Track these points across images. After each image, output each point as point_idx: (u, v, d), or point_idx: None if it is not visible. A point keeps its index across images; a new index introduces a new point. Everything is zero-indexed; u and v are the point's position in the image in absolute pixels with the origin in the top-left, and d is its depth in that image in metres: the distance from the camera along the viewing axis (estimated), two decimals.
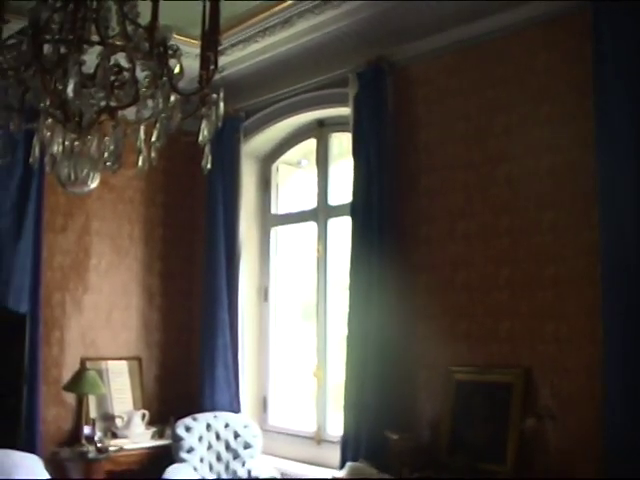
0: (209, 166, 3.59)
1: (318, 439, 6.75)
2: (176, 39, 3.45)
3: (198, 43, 3.48)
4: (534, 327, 5.06)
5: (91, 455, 6.60)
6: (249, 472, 6.66)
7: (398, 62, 6.02)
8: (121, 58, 3.43)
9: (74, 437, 6.97)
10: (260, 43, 6.59)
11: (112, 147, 3.33)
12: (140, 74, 3.33)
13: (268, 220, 7.68)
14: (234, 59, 6.75)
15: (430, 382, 5.69)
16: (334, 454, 6.14)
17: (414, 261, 5.84)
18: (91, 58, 3.23)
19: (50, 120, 3.27)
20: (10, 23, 3.11)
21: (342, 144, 7.09)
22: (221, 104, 3.38)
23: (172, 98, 3.25)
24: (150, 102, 3.20)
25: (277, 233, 7.65)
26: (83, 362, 7.20)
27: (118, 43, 3.26)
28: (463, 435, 5.35)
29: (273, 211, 7.68)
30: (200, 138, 3.42)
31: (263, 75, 7.06)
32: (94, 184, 3.46)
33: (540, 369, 5.01)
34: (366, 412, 5.77)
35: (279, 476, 6.53)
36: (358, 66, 6.11)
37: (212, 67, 3.30)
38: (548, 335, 4.97)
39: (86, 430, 6.82)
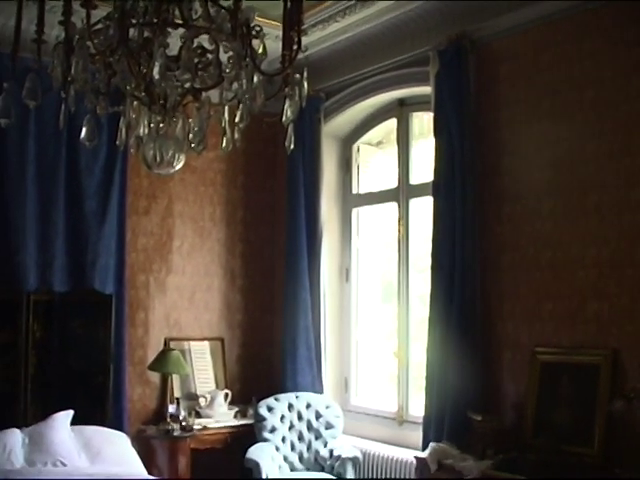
0: (292, 147, 3.59)
1: (400, 419, 6.75)
2: (256, 20, 3.44)
3: (278, 24, 3.47)
4: (623, 307, 4.95)
5: (176, 433, 6.71)
6: (331, 452, 6.67)
7: (480, 39, 5.93)
8: (204, 40, 3.45)
9: (159, 415, 7.12)
10: (340, 23, 6.56)
11: (197, 128, 3.35)
12: (223, 56, 3.35)
13: (349, 201, 7.66)
14: (314, 40, 6.72)
15: (514, 363, 5.62)
16: (416, 434, 6.15)
17: (498, 240, 5.77)
18: (173, 41, 3.25)
19: (135, 103, 3.31)
20: (97, 9, 3.13)
21: (423, 123, 7.02)
22: (305, 84, 3.37)
23: (255, 79, 3.24)
24: (234, 83, 3.20)
25: (358, 214, 7.63)
26: (167, 342, 7.31)
27: (201, 25, 3.28)
28: (548, 417, 5.28)
29: (354, 191, 7.67)
30: (283, 119, 3.42)
31: (343, 55, 7.02)
32: (179, 165, 3.48)
33: (629, 350, 4.90)
34: (449, 393, 5.75)
35: (361, 456, 6.53)
36: (439, 44, 6.05)
37: (295, 47, 3.28)
38: (637, 316, 4.86)
39: (171, 409, 6.93)
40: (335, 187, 7.64)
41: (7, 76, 5.92)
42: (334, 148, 7.66)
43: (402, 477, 6.23)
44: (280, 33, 3.45)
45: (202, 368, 7.50)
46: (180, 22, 3.27)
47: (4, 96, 3.30)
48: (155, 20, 3.11)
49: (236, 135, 3.53)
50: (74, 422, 6.31)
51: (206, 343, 7.61)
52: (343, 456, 6.50)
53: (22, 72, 3.38)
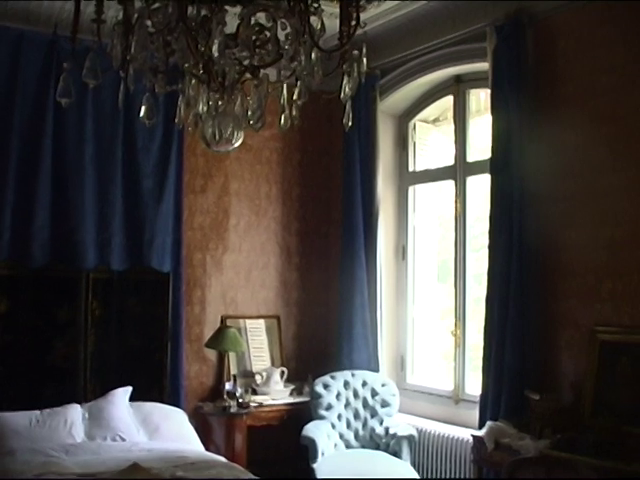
0: (350, 124, 3.58)
1: (456, 398, 6.73)
2: None
3: (333, 2, 3.45)
4: None
5: (233, 410, 6.77)
6: (387, 430, 6.68)
7: (538, 13, 5.84)
8: (261, 18, 3.44)
9: (216, 393, 7.19)
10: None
11: (255, 106, 3.35)
12: (280, 33, 3.34)
13: (405, 178, 7.62)
14: (369, 16, 6.66)
15: (572, 342, 5.58)
16: (472, 413, 6.15)
17: (556, 218, 5.70)
18: (230, 19, 3.25)
19: (194, 81, 3.32)
20: None
21: (479, 100, 6.95)
22: (364, 60, 3.35)
23: (313, 56, 3.23)
24: (292, 60, 3.19)
25: (415, 191, 7.59)
26: (223, 320, 7.36)
27: (260, 2, 3.27)
28: (607, 397, 5.23)
29: (410, 169, 7.62)
30: (341, 95, 3.40)
31: (399, 32, 6.96)
32: (238, 143, 3.49)
33: None
34: (506, 371, 5.73)
35: (416, 435, 6.53)
36: (496, 19, 5.98)
37: (354, 23, 3.26)
38: None
39: (228, 386, 7.00)
40: (391, 165, 7.60)
41: (66, 57, 6.08)
42: (390, 126, 7.62)
43: (458, 455, 6.22)
44: (336, 10, 3.43)
45: (257, 346, 7.55)
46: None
47: (64, 76, 3.34)
48: None
49: (294, 112, 3.52)
50: (132, 398, 6.42)
51: (262, 321, 7.65)
52: (399, 434, 6.51)
53: (81, 52, 3.40)
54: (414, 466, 6.48)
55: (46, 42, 6.47)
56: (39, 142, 6.50)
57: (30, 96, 6.52)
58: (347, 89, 3.39)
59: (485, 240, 6.08)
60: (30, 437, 5.72)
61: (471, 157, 6.83)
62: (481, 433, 5.58)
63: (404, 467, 6.35)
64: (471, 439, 5.76)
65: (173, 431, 6.30)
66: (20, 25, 6.48)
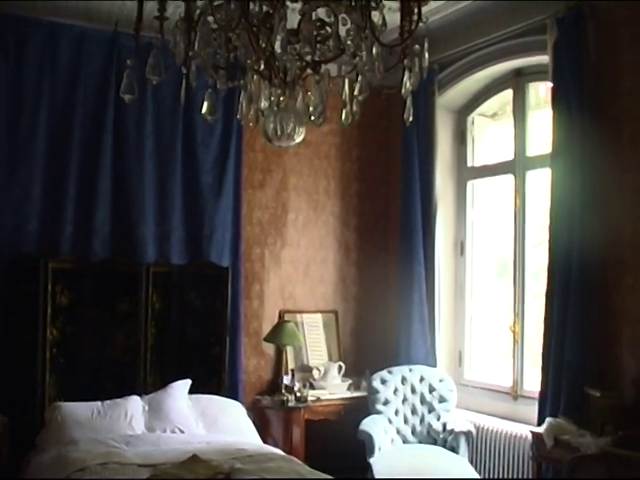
0: (411, 119, 3.57)
1: (514, 394, 6.67)
2: None
3: None
4: None
5: (291, 404, 6.81)
6: (444, 426, 6.66)
7: (600, 4, 5.74)
8: (321, 13, 3.45)
9: (274, 386, 7.24)
10: None
11: (317, 101, 3.36)
12: (341, 28, 3.34)
13: (464, 173, 7.57)
14: (427, 10, 6.58)
15: (634, 338, 5.49)
16: (531, 409, 6.09)
17: (618, 213, 5.62)
18: (291, 15, 3.25)
19: (256, 77, 3.34)
20: None
21: (539, 94, 6.88)
22: (426, 55, 3.33)
23: (374, 50, 3.22)
24: (353, 55, 3.19)
25: (473, 186, 7.54)
26: (281, 315, 7.40)
27: None
28: None
29: (469, 164, 7.57)
30: (402, 91, 3.39)
31: (457, 26, 6.90)
32: (299, 138, 3.50)
33: None
34: (566, 368, 5.67)
35: (474, 431, 6.49)
36: (557, 11, 5.89)
37: (415, 18, 3.25)
38: None
39: (286, 380, 7.03)
40: (450, 160, 7.56)
41: (127, 54, 6.16)
42: (448, 120, 7.57)
43: (517, 452, 6.18)
44: (395, 4, 3.42)
45: (314, 340, 7.58)
46: None
47: (128, 73, 3.38)
48: None
49: (354, 108, 3.52)
50: (191, 391, 6.47)
51: (319, 315, 7.67)
52: (456, 430, 6.48)
53: (142, 49, 3.44)
54: (471, 462, 6.45)
55: (107, 39, 6.58)
56: (100, 138, 6.61)
57: (91, 93, 6.64)
58: (408, 84, 3.38)
59: (544, 235, 6.02)
60: (92, 428, 5.82)
61: (531, 151, 6.76)
62: (540, 430, 5.54)
63: (461, 463, 6.33)
64: (530, 436, 5.72)
65: (231, 424, 6.35)
66: (81, 23, 6.60)
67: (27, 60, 6.41)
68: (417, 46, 3.32)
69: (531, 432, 5.68)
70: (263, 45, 3.21)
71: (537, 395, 5.97)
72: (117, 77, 6.51)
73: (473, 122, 7.60)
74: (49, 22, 6.48)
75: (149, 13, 3.41)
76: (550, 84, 6.01)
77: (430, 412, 6.85)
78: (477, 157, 7.57)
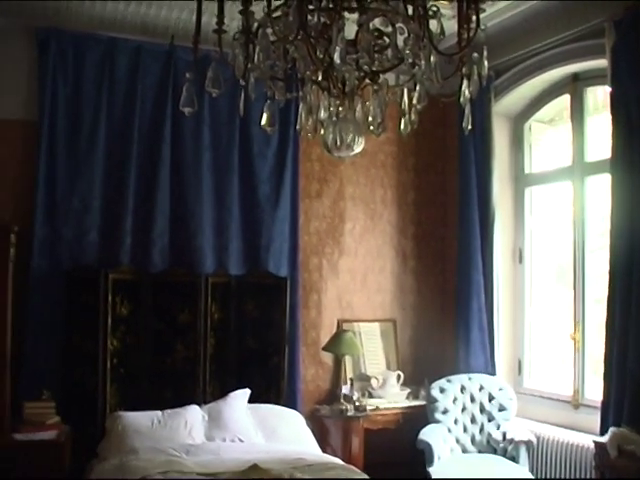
0: (469, 127, 3.55)
1: (575, 403, 6.58)
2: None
3: (445, 3, 3.42)
4: None
5: (350, 413, 6.80)
6: (504, 435, 6.59)
7: None
8: (377, 23, 3.44)
9: (332, 396, 7.23)
10: None
11: (376, 111, 3.36)
12: (398, 38, 3.33)
13: (521, 180, 7.52)
14: (483, 16, 6.50)
15: None
16: (593, 418, 5.99)
17: None
18: (347, 25, 3.26)
19: (314, 87, 3.35)
20: None
21: (597, 98, 6.80)
22: (485, 63, 3.32)
23: (432, 59, 3.21)
24: (412, 65, 3.18)
25: (531, 193, 7.47)
26: (339, 324, 7.41)
27: (378, 8, 3.27)
28: None
29: (526, 171, 7.51)
30: (461, 99, 3.38)
31: (513, 31, 6.84)
32: (359, 148, 3.50)
33: None
34: (629, 376, 5.57)
35: (535, 440, 6.42)
36: (615, 14, 5.81)
37: (474, 26, 3.24)
38: None
39: (344, 389, 7.03)
40: (507, 166, 7.50)
41: (183, 67, 6.25)
42: (505, 127, 7.53)
43: (579, 462, 6.09)
44: (449, 12, 3.41)
45: (372, 349, 7.57)
46: (356, 6, 3.28)
47: (187, 86, 3.40)
48: (332, 5, 3.14)
49: (412, 117, 3.52)
50: (250, 401, 6.50)
51: (376, 324, 7.66)
52: (516, 439, 6.42)
53: (199, 62, 3.47)
54: (532, 472, 6.39)
55: (163, 53, 6.67)
56: (158, 151, 6.69)
57: (149, 106, 6.73)
58: (467, 92, 3.36)
59: (604, 241, 5.95)
60: (152, 437, 5.87)
61: (590, 157, 6.68)
62: (603, 439, 5.45)
63: (522, 473, 6.26)
64: (592, 445, 5.62)
65: (290, 434, 6.36)
66: (138, 37, 6.70)
67: (85, 75, 6.53)
68: (475, 54, 3.30)
69: (594, 442, 5.59)
70: (321, 56, 3.22)
71: (599, 404, 5.87)
72: (174, 90, 6.62)
73: (530, 128, 7.54)
74: (106, 37, 6.60)
75: (205, 26, 3.44)
76: (608, 88, 5.93)
77: (490, 421, 6.80)
78: (535, 164, 7.50)
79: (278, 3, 3.28)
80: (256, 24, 3.21)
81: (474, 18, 3.32)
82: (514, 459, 6.37)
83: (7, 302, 5.81)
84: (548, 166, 7.33)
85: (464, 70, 3.33)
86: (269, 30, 3.10)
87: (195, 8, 3.42)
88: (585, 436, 6.08)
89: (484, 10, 3.29)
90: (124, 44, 6.65)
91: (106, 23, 6.57)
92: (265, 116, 3.54)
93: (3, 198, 6.33)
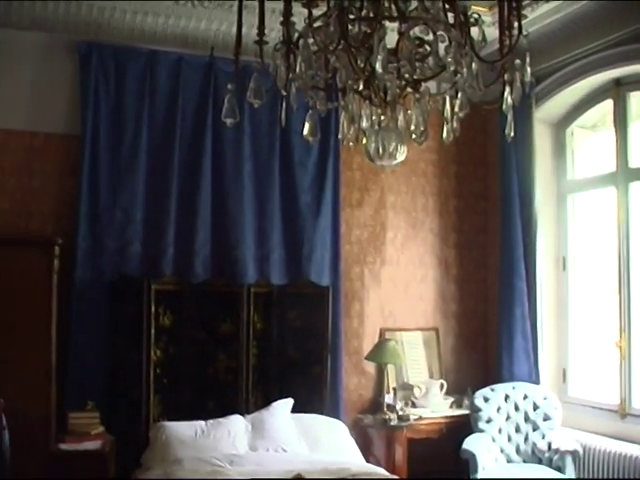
0: (512, 134, 3.53)
1: (622, 412, 6.50)
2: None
3: (484, 10, 3.40)
4: None
5: (393, 423, 6.77)
6: (549, 445, 6.53)
7: None
8: (418, 32, 3.43)
9: (375, 405, 7.21)
10: (550, 3, 6.35)
11: (419, 120, 3.35)
12: (439, 45, 3.31)
13: (564, 186, 7.45)
14: (523, 22, 6.54)
15: None
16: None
17: None
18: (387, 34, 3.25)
19: (355, 97, 3.34)
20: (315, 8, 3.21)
21: None
22: (528, 69, 3.29)
23: (474, 66, 3.19)
24: (454, 72, 3.16)
25: (574, 199, 7.40)
26: (382, 333, 7.39)
27: (418, 16, 3.26)
28: None
29: (569, 177, 7.44)
30: (504, 106, 3.35)
31: (554, 37, 6.80)
32: (402, 157, 3.49)
33: None
34: None
35: (581, 450, 6.34)
36: None
37: (515, 32, 3.22)
38: None
39: (387, 399, 7.00)
40: (549, 173, 7.44)
41: (223, 78, 6.29)
42: (546, 133, 7.47)
43: (627, 473, 6.00)
44: (489, 18, 3.39)
45: (414, 358, 7.53)
46: (396, 15, 3.27)
47: (229, 97, 3.41)
48: (373, 14, 3.14)
49: (454, 125, 3.50)
50: (293, 410, 6.50)
51: (418, 333, 7.63)
52: (562, 449, 6.34)
53: (240, 73, 3.48)
54: None
55: (203, 64, 6.73)
56: (199, 161, 6.74)
57: (189, 117, 6.79)
58: (509, 99, 3.33)
59: None
60: (196, 447, 5.89)
61: (633, 162, 6.60)
62: None
63: None
64: None
65: (334, 443, 6.36)
66: (178, 49, 6.77)
67: (127, 87, 6.62)
68: (518, 60, 3.28)
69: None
70: (362, 65, 3.21)
71: None
72: (214, 101, 6.67)
73: (572, 134, 7.47)
74: (147, 50, 6.68)
75: (245, 37, 3.46)
76: None
77: (534, 430, 6.74)
78: (577, 170, 7.43)
79: (319, 13, 3.29)
80: (297, 34, 3.22)
81: (516, 24, 3.29)
82: (560, 469, 6.29)
83: (52, 313, 5.91)
84: (591, 172, 7.26)
85: (506, 77, 3.30)
86: (310, 40, 3.10)
87: (234, 20, 3.44)
88: (633, 446, 6.02)
89: (526, 16, 3.26)
90: (165, 56, 6.71)
91: (147, 36, 6.67)
92: (307, 126, 3.54)
93: (47, 211, 6.46)
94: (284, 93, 3.36)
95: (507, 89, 3.33)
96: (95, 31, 6.54)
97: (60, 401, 6.04)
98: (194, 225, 6.68)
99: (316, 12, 3.28)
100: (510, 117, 3.49)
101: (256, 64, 3.32)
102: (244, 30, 3.46)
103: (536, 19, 6.52)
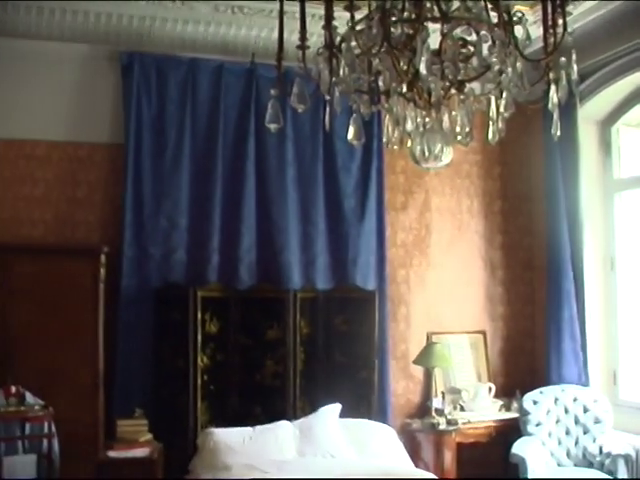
0: (558, 133, 3.48)
1: None
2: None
3: (528, 10, 3.36)
4: None
5: (442, 427, 6.73)
6: (600, 448, 6.45)
7: None
8: (460, 32, 3.40)
9: (423, 409, 7.17)
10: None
11: (464, 121, 3.32)
12: (482, 46, 3.28)
13: (611, 186, 7.35)
14: (567, 19, 6.49)
15: None
16: None
17: None
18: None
19: (399, 99, 3.32)
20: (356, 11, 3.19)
21: None
22: (574, 67, 3.24)
23: (519, 65, 3.15)
24: (499, 72, 3.13)
25: (622, 198, 7.30)
26: (429, 336, 7.35)
27: (461, 17, 3.23)
28: None
29: (615, 176, 7.34)
30: (549, 105, 3.31)
31: (597, 34, 6.69)
32: (447, 159, 3.46)
33: None
34: None
35: (633, 454, 6.23)
36: None
37: (559, 29, 3.17)
38: None
39: (435, 403, 6.95)
40: (595, 172, 7.34)
41: (265, 84, 6.32)
42: (591, 131, 7.37)
43: None
44: (531, 17, 3.34)
45: (461, 361, 7.48)
46: (439, 16, 3.24)
47: (272, 102, 3.41)
48: (415, 16, 3.11)
49: (500, 125, 3.45)
50: (340, 415, 6.48)
51: (465, 336, 7.59)
52: (614, 453, 6.26)
53: (281, 78, 3.48)
54: None
55: (244, 71, 6.78)
56: (242, 167, 6.77)
57: (232, 123, 6.83)
58: (555, 98, 3.29)
59: None
60: (244, 453, 5.90)
61: None
62: None
63: None
64: None
65: (382, 448, 6.33)
66: (219, 56, 6.80)
67: (169, 96, 6.68)
68: (563, 58, 3.23)
69: None
70: (405, 67, 3.19)
71: None
72: (256, 107, 6.71)
73: (618, 132, 7.37)
74: (188, 58, 6.73)
75: (285, 42, 3.46)
76: None
77: (585, 434, 6.65)
78: (623, 168, 7.33)
79: (360, 16, 3.27)
80: (339, 38, 3.20)
81: (560, 22, 3.24)
82: (612, 473, 6.20)
83: (98, 321, 5.96)
84: (638, 170, 7.15)
85: (551, 75, 3.26)
86: (353, 43, 3.09)
87: (274, 26, 3.45)
88: None
89: (570, 13, 3.21)
90: (205, 64, 6.76)
91: (187, 44, 6.74)
92: (352, 130, 3.51)
93: (92, 220, 6.54)
94: (327, 97, 3.34)
95: (552, 88, 3.28)
96: (136, 41, 6.61)
97: (108, 409, 6.09)
98: (238, 231, 6.71)
99: (358, 15, 3.26)
100: (556, 116, 3.44)
101: (299, 69, 3.31)
102: (285, 35, 3.46)
103: (579, 16, 6.44)
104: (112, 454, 5.76)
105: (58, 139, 6.52)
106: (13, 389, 5.56)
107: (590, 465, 6.48)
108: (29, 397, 5.58)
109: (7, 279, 5.83)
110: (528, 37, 3.25)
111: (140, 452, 5.81)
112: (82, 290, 5.95)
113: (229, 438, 6.02)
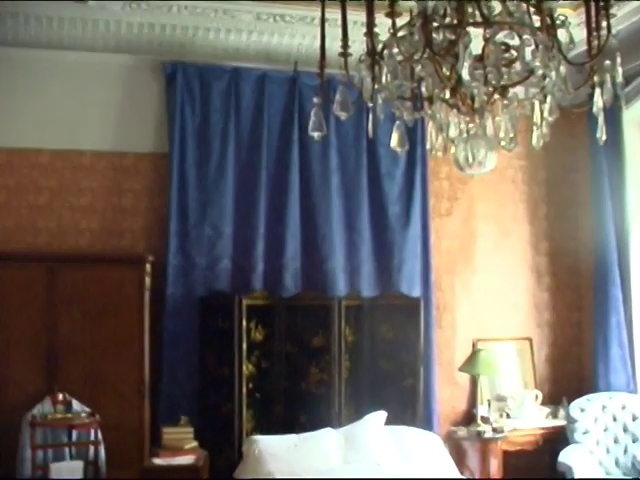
0: (604, 137, 3.44)
1: None
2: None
3: (572, 12, 3.33)
4: None
5: (487, 435, 6.68)
6: None
7: None
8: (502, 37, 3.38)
9: (468, 417, 7.14)
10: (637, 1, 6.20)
11: (508, 126, 3.29)
12: (525, 50, 3.26)
13: None
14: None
15: None
16: None
17: None
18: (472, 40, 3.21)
19: (442, 105, 3.31)
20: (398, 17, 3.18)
21: None
22: (619, 70, 3.21)
23: (562, 69, 3.13)
24: (543, 77, 3.10)
25: None
26: (474, 343, 7.31)
27: (503, 21, 3.21)
28: None
29: None
30: (594, 109, 3.27)
31: None
32: (491, 165, 3.44)
33: None
34: None
35: None
36: None
37: (603, 32, 3.14)
38: None
39: (481, 410, 6.90)
40: None
41: (307, 92, 6.35)
42: (637, 135, 7.26)
43: None
44: (574, 20, 3.31)
45: (507, 369, 7.41)
46: (480, 21, 3.22)
47: (316, 110, 3.41)
48: (457, 21, 3.09)
49: (544, 130, 3.43)
50: (386, 423, 6.44)
51: (511, 343, 7.53)
52: None
53: (324, 86, 3.48)
54: None
55: (287, 79, 6.82)
56: (286, 175, 6.80)
57: (275, 132, 6.86)
58: (600, 102, 3.25)
59: None
60: (288, 461, 5.89)
61: None
62: None
63: None
64: None
65: (428, 456, 6.29)
66: (261, 65, 6.86)
67: (212, 105, 6.74)
68: (607, 61, 3.20)
69: None
70: (448, 73, 3.17)
71: None
72: (300, 115, 6.74)
73: None
74: (230, 67, 6.78)
75: (327, 50, 3.47)
76: None
77: (634, 442, 6.56)
78: None
79: (402, 23, 3.27)
80: (381, 45, 3.20)
81: (604, 24, 3.21)
82: None
83: (144, 329, 6.01)
84: None
85: (595, 79, 3.22)
86: (395, 50, 3.08)
87: (315, 34, 3.45)
88: None
89: (615, 15, 3.18)
90: (248, 73, 6.80)
91: (230, 53, 6.81)
92: (395, 137, 3.50)
93: (137, 229, 6.61)
94: (370, 104, 3.34)
95: (597, 91, 3.25)
96: (179, 51, 6.68)
97: (153, 416, 6.13)
98: (283, 239, 6.74)
99: (399, 21, 3.26)
100: (601, 120, 3.40)
101: (341, 76, 3.31)
102: (327, 43, 3.46)
103: (624, 17, 6.36)
104: (157, 461, 5.80)
105: (103, 149, 6.63)
106: (60, 396, 5.65)
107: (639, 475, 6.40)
108: (76, 404, 5.66)
109: (54, 288, 5.92)
110: (572, 40, 3.22)
111: (185, 459, 5.85)
112: (128, 298, 6.03)
113: (274, 446, 6.02)
